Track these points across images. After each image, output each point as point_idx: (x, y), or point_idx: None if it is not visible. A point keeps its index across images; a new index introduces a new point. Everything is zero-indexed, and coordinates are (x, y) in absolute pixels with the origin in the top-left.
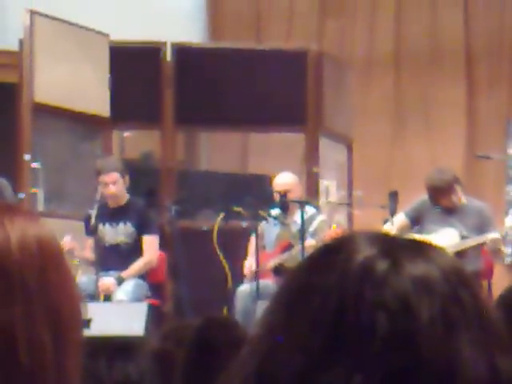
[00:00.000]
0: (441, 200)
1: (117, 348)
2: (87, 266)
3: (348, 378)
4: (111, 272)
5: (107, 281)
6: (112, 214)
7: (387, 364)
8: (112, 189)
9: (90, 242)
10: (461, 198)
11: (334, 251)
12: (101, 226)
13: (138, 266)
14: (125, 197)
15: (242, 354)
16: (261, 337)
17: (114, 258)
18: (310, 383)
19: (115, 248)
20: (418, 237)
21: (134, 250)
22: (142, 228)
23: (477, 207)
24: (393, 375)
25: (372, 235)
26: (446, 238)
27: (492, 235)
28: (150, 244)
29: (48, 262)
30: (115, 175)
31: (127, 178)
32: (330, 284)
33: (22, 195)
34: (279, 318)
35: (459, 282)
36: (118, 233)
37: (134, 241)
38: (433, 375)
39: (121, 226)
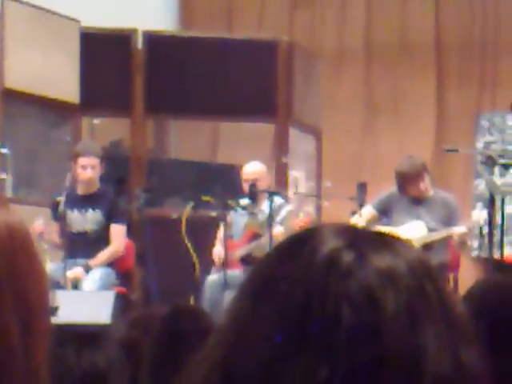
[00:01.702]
0: (409, 187)
1: (85, 336)
2: (55, 250)
3: (313, 369)
4: (78, 259)
5: (75, 271)
6: (81, 201)
7: (352, 356)
8: (89, 173)
9: (56, 226)
10: (429, 187)
11: (301, 242)
12: (69, 213)
13: (105, 254)
14: (96, 184)
15: (208, 343)
16: (227, 326)
17: (82, 245)
18: (275, 374)
19: (83, 235)
20: (384, 229)
21: (101, 238)
22: (110, 216)
23: (443, 198)
24: (358, 367)
25: (338, 227)
26: (413, 230)
27: (458, 229)
28: (118, 233)
29: (17, 248)
30: (95, 160)
31: (103, 165)
32: (296, 275)
33: None
34: (245, 307)
35: (425, 275)
36: (86, 220)
37: (102, 229)
38: (397, 368)
39: (90, 213)
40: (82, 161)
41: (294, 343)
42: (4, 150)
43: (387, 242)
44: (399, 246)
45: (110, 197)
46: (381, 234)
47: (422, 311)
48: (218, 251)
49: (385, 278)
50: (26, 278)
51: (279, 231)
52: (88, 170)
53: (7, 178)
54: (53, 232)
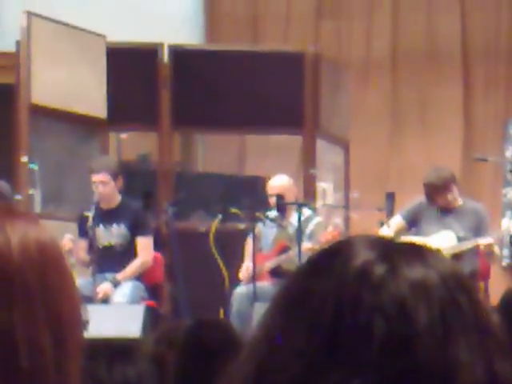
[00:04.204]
0: (437, 198)
1: (115, 350)
2: (82, 267)
3: (345, 382)
4: (106, 274)
5: (104, 286)
6: (105, 216)
7: (385, 368)
8: (100, 189)
9: (83, 243)
10: (457, 197)
11: (333, 255)
12: (96, 228)
13: (133, 267)
14: (117, 198)
15: (240, 356)
16: (259, 340)
17: (109, 259)
18: None
19: (109, 250)
20: (415, 239)
21: (128, 252)
22: (135, 229)
23: (473, 207)
24: (390, 379)
25: (370, 239)
26: (442, 240)
27: (484, 240)
28: (145, 245)
29: (48, 264)
30: (105, 175)
31: (120, 179)
32: (328, 288)
33: (19, 197)
34: (277, 321)
35: (457, 286)
36: (111, 234)
37: (128, 242)
38: (430, 379)
39: (114, 227)
40: (93, 177)
41: (326, 356)
42: (32, 166)
43: (419, 254)
44: (431, 258)
45: (132, 210)
46: (413, 246)
47: (455, 323)
48: (246, 267)
49: (417, 289)
50: (57, 293)
51: (308, 244)
52: (99, 187)
53: (36, 193)
54: (80, 249)
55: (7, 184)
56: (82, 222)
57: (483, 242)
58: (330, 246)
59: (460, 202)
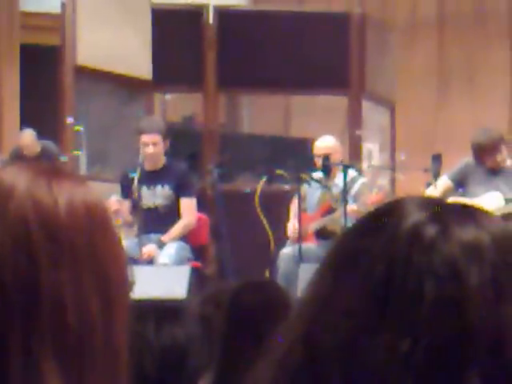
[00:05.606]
0: (486, 159)
1: (164, 311)
2: (127, 228)
3: (395, 343)
4: (151, 235)
5: (149, 248)
6: (149, 177)
7: (434, 330)
8: (151, 150)
9: (126, 204)
10: (505, 158)
11: (383, 215)
12: (140, 189)
13: (177, 228)
14: (162, 160)
15: (288, 318)
16: (308, 300)
17: (153, 220)
18: (356, 348)
19: (153, 211)
20: (463, 201)
21: (172, 213)
22: (179, 190)
23: None
24: (440, 342)
25: (422, 200)
26: (490, 201)
27: None
28: (188, 206)
29: (95, 225)
30: (157, 136)
31: (167, 141)
32: (378, 248)
33: (64, 158)
34: (327, 281)
35: (510, 248)
36: (155, 195)
37: (172, 203)
38: (481, 342)
39: (158, 188)
40: (143, 138)
41: (375, 317)
42: (77, 127)
43: (471, 215)
44: (484, 219)
45: (177, 170)
46: (465, 207)
47: (506, 285)
48: (292, 226)
49: (469, 251)
50: (105, 255)
51: (353, 205)
52: (149, 147)
53: (81, 154)
54: (124, 210)
55: (54, 145)
56: (125, 183)
57: None
58: (381, 206)
59: (508, 163)
